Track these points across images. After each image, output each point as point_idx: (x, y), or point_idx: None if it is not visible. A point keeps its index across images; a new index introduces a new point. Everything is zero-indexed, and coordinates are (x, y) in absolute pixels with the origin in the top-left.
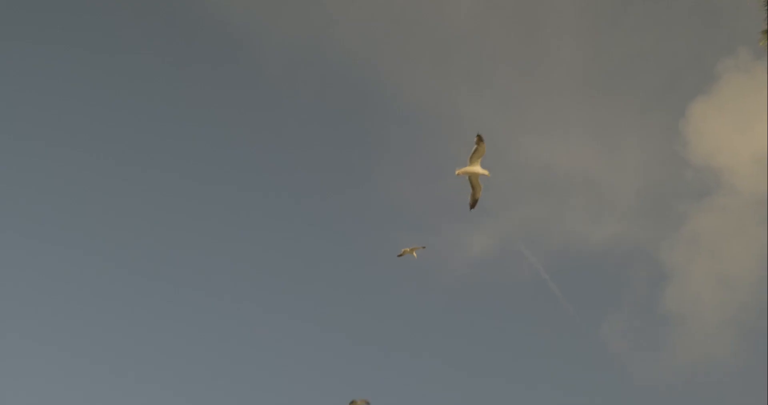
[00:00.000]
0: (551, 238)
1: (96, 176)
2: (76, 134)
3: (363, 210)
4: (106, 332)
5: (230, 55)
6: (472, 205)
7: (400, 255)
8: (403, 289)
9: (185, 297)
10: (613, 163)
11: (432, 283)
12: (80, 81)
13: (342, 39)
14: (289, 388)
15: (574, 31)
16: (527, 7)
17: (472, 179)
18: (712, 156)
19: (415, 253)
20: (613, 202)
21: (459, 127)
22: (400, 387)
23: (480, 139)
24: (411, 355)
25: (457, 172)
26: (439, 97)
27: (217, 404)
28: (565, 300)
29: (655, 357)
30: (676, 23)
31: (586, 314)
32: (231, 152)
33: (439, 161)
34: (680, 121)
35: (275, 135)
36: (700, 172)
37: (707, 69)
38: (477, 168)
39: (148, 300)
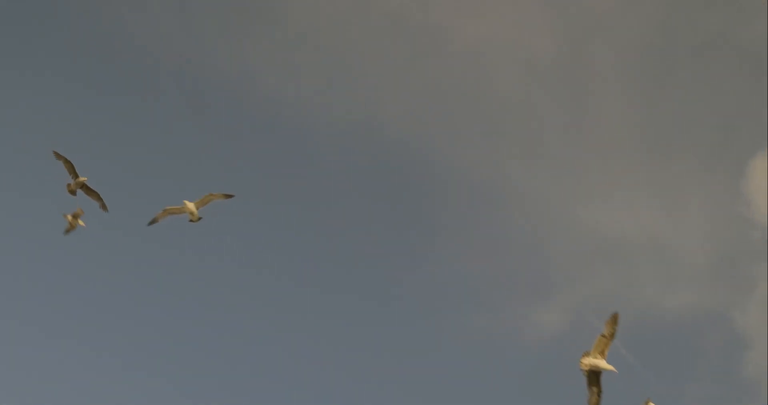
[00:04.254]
0: (623, 309)
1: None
2: None
3: (428, 289)
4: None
5: (278, 135)
6: None
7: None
8: (477, 371)
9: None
10: (678, 225)
11: (506, 363)
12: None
13: (390, 117)
14: None
15: (621, 91)
16: (570, 72)
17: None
18: None
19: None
20: (682, 266)
21: (515, 198)
22: None
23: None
24: None
25: (582, 367)
26: (491, 169)
27: None
28: (645, 370)
29: None
30: (724, 78)
31: (667, 383)
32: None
33: (497, 235)
34: (741, 180)
35: (326, 217)
36: (766, 232)
37: (762, 123)
38: (602, 362)
39: None
